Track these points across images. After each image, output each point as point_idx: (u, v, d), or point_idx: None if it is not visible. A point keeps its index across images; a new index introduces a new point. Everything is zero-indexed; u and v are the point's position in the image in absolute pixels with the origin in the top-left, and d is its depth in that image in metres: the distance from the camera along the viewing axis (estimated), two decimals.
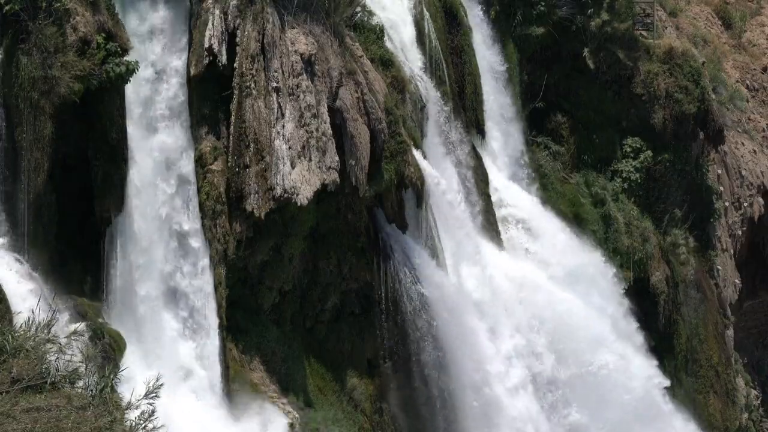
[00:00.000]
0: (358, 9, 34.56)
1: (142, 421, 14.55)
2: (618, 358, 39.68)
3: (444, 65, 38.12)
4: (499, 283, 37.33)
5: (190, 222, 30.00)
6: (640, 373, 40.77)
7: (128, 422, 14.63)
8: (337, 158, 31.23)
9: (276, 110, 30.53)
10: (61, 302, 26.16)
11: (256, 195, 30.09)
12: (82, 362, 15.73)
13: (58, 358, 15.13)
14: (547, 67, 44.31)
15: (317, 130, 30.98)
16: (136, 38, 28.88)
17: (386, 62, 35.06)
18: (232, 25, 30.35)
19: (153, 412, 14.74)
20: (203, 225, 30.02)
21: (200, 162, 30.22)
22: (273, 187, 30.05)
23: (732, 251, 50.24)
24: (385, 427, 34.05)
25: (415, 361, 34.30)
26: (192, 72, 29.83)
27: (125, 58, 27.64)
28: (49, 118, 26.72)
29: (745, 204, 51.11)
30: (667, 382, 41.93)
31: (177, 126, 30.01)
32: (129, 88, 28.27)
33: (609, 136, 45.34)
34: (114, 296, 28.72)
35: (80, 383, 14.89)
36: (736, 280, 50.28)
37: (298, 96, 30.88)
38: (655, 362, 42.05)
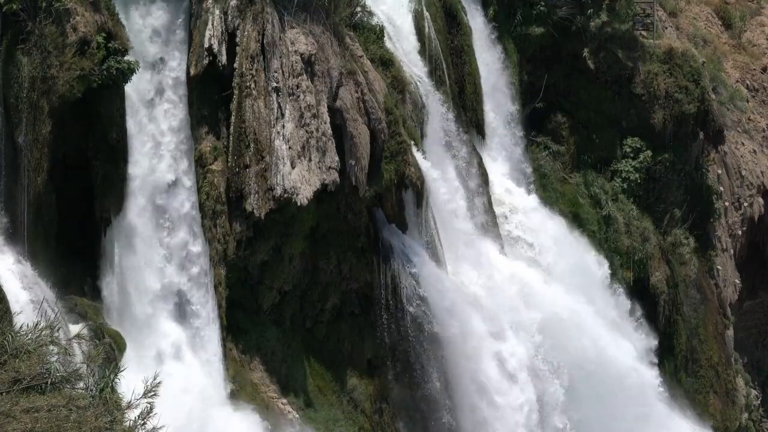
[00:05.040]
0: (358, 9, 34.56)
1: (140, 420, 14.54)
2: (619, 359, 39.70)
3: (444, 65, 38.11)
4: (499, 283, 37.32)
5: (189, 222, 29.98)
6: (642, 376, 40.80)
7: (128, 422, 14.63)
8: (337, 158, 31.23)
9: (276, 110, 30.53)
10: (61, 302, 26.15)
11: (256, 195, 30.09)
12: (83, 362, 15.73)
13: (58, 359, 15.13)
14: (547, 67, 44.25)
15: (317, 130, 30.98)
16: (135, 38, 28.89)
17: (386, 62, 35.07)
18: (232, 25, 30.34)
19: (151, 409, 14.73)
20: (203, 225, 30.01)
21: (200, 162, 30.21)
22: (273, 187, 30.05)
23: (732, 251, 50.17)
24: (385, 427, 34.03)
25: (415, 361, 34.30)
26: (192, 72, 29.82)
27: (125, 57, 27.65)
28: (49, 117, 26.72)
29: (745, 204, 51.06)
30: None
31: (177, 125, 30.00)
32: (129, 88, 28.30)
33: (609, 136, 45.27)
34: (113, 296, 28.73)
35: (81, 384, 14.88)
36: (736, 280, 50.22)
37: (298, 96, 30.88)
38: (655, 363, 42.08)
